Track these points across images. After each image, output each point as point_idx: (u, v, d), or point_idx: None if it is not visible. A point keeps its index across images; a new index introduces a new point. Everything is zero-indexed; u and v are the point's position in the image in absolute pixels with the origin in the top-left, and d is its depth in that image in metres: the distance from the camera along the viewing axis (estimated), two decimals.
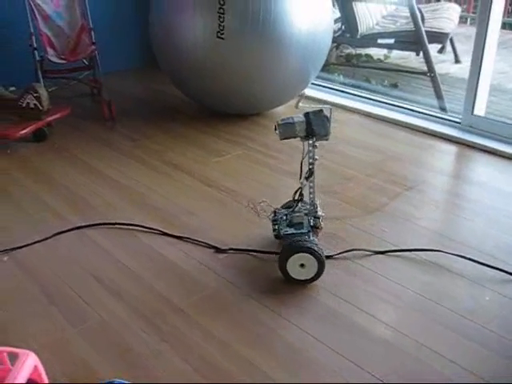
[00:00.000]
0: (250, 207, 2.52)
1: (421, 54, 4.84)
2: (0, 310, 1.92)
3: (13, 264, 2.18)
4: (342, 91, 4.28)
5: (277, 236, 2.24)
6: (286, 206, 2.29)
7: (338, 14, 5.10)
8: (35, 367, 1.47)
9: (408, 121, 3.70)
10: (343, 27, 5.27)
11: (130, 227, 2.41)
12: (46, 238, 2.34)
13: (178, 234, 2.34)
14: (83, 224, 2.43)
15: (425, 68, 4.74)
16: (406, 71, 5.44)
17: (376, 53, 5.68)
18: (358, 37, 5.19)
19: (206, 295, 1.98)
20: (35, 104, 3.21)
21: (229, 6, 3.09)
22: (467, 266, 2.15)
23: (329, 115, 2.05)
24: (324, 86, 4.35)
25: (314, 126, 2.03)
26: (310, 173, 2.13)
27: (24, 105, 3.23)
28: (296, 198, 2.21)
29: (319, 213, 2.20)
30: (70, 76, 4.04)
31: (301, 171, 2.15)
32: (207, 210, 2.57)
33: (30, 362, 1.44)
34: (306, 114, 2.05)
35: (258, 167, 3.00)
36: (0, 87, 3.36)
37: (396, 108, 3.91)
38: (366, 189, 2.76)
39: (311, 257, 2.00)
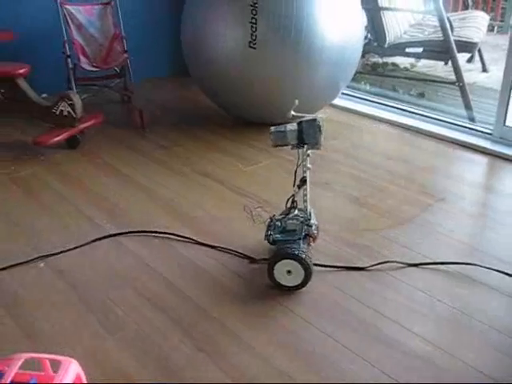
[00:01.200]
0: (247, 212, 2.53)
1: (449, 63, 4.83)
2: (38, 317, 1.95)
3: (49, 270, 2.21)
4: (369, 100, 4.28)
5: (269, 242, 2.19)
6: (285, 214, 2.28)
7: (364, 23, 5.11)
8: (77, 375, 1.50)
9: (436, 131, 3.69)
10: (370, 36, 5.28)
11: (164, 235, 2.44)
12: (82, 245, 2.37)
13: (212, 243, 2.37)
14: (118, 232, 2.47)
15: (452, 77, 4.72)
16: (434, 81, 5.42)
17: (403, 61, 5.67)
18: (386, 46, 5.18)
19: (240, 305, 2.00)
20: (69, 111, 3.26)
21: (261, 17, 3.12)
22: (501, 279, 2.14)
23: (321, 125, 2.07)
24: (350, 95, 4.36)
25: (305, 135, 2.07)
26: (303, 181, 2.16)
27: (58, 112, 3.28)
28: (289, 205, 2.22)
29: (312, 221, 2.21)
30: (101, 84, 4.11)
31: (294, 179, 2.18)
32: (239, 219, 2.58)
33: (72, 370, 1.47)
34: (300, 123, 2.08)
35: (288, 177, 3.00)
36: (34, 94, 3.40)
37: (424, 118, 3.91)
38: (397, 200, 2.76)
39: (298, 264, 2.01)
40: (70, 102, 3.25)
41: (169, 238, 2.43)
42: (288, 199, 2.22)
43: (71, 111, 3.26)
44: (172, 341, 1.83)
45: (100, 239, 2.42)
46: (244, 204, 2.70)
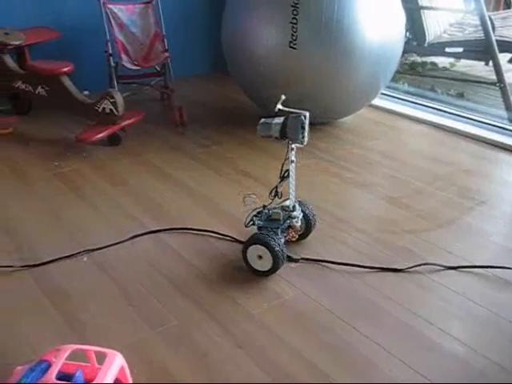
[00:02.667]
0: (244, 196, 2.53)
1: (490, 63, 4.77)
2: (81, 309, 2.00)
3: (92, 264, 2.27)
4: (408, 101, 4.25)
5: (247, 226, 2.26)
6: (281, 205, 2.32)
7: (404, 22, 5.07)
8: (121, 367, 1.54)
9: (476, 132, 3.65)
10: (410, 35, 5.24)
11: (204, 233, 2.48)
12: (124, 241, 2.42)
13: None
14: (158, 228, 2.51)
15: (492, 77, 4.66)
16: (474, 81, 5.35)
17: (442, 61, 5.62)
18: (426, 45, 5.14)
19: (278, 303, 2.03)
20: (111, 109, 3.32)
21: (302, 17, 3.13)
22: None
23: (304, 121, 2.14)
24: (389, 95, 4.32)
25: (288, 129, 2.15)
26: (286, 173, 2.25)
27: (100, 110, 3.35)
28: (272, 195, 2.30)
29: (294, 213, 2.26)
30: (141, 82, 4.17)
31: (281, 171, 2.26)
32: None
33: (117, 363, 1.51)
34: (286, 118, 2.17)
35: (327, 177, 3.03)
36: (77, 92, 3.47)
37: (463, 119, 3.87)
38: (436, 202, 2.75)
39: (267, 250, 2.11)
40: (113, 100, 3.31)
41: (208, 236, 2.47)
42: (271, 190, 2.29)
43: (113, 109, 3.32)
44: (211, 337, 1.86)
45: (141, 235, 2.47)
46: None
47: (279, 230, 2.20)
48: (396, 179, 3.01)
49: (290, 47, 3.18)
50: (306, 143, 2.19)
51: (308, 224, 2.38)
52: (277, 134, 2.17)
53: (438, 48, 5.21)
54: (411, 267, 2.21)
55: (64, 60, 3.62)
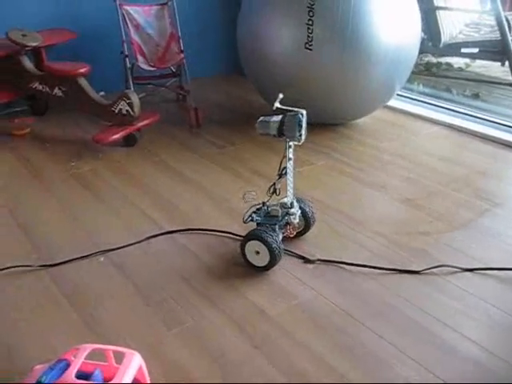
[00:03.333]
0: (244, 193, 2.56)
1: (506, 63, 4.74)
2: (98, 309, 2.02)
3: (109, 264, 2.29)
4: (422, 101, 4.24)
5: (245, 222, 2.32)
6: (280, 203, 2.37)
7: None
8: (140, 367, 1.55)
9: (492, 133, 3.64)
10: (425, 35, 5.21)
11: (219, 234, 2.49)
12: (140, 241, 2.44)
13: None
14: (174, 229, 2.53)
15: (508, 78, 4.63)
16: (490, 82, 5.32)
17: (457, 61, 5.59)
18: (441, 46, 5.12)
19: (295, 304, 2.03)
20: (127, 110, 3.34)
21: (318, 18, 3.13)
22: None
23: (301, 120, 2.20)
24: (403, 96, 4.31)
25: (285, 127, 2.21)
26: (284, 171, 2.30)
27: (117, 111, 3.37)
28: (269, 193, 2.34)
29: (292, 210, 2.32)
30: (157, 83, 4.19)
31: (279, 168, 2.31)
32: None
33: (136, 362, 1.53)
34: (284, 116, 2.22)
35: (342, 178, 3.03)
36: (94, 93, 3.50)
37: (478, 120, 3.85)
38: (452, 204, 2.74)
39: (264, 246, 2.16)
40: (129, 101, 3.33)
41: (223, 236, 2.48)
42: (270, 187, 2.33)
43: (130, 110, 3.34)
44: (228, 338, 1.87)
45: (157, 235, 2.49)
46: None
47: (277, 227, 2.26)
48: (411, 180, 3.00)
49: (306, 48, 3.19)
50: (303, 141, 2.24)
51: (307, 221, 2.42)
52: (274, 131, 2.23)
53: (454, 48, 5.18)
54: (427, 269, 2.21)
55: (80, 61, 3.66)
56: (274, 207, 2.31)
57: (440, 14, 5.09)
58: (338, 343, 1.85)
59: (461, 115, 3.94)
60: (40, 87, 3.64)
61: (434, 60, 5.65)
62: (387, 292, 2.10)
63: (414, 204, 2.74)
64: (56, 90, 3.57)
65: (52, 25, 4.06)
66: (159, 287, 2.14)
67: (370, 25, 3.17)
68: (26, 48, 3.66)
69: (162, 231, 2.51)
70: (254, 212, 2.33)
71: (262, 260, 2.20)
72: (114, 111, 3.39)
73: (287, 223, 2.32)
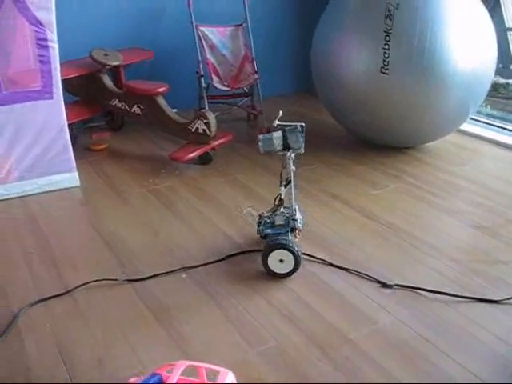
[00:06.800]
0: (239, 211, 2.76)
1: None
2: (182, 324, 2.10)
3: (191, 281, 2.37)
4: (491, 124, 4.17)
5: (261, 236, 2.49)
6: (272, 211, 2.54)
7: None
8: None
9: None
10: None
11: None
12: (219, 260, 2.51)
13: (344, 266, 2.44)
14: (252, 248, 2.59)
15: None
16: None
17: None
18: (511, 67, 5.06)
19: (374, 329, 2.06)
20: (204, 129, 3.43)
21: (394, 43, 3.16)
22: None
23: (302, 131, 2.37)
24: (471, 118, 4.22)
25: (289, 141, 2.37)
26: (288, 181, 2.46)
27: (193, 129, 3.47)
28: (276, 203, 2.52)
29: (297, 215, 2.48)
30: (229, 102, 4.28)
31: (280, 179, 2.48)
32: (368, 242, 2.65)
33: (229, 380, 1.59)
34: (283, 131, 2.37)
35: (415, 202, 3.04)
36: (171, 111, 3.60)
37: None
38: None
39: (289, 253, 2.30)
40: (206, 121, 3.42)
41: (305, 259, 2.51)
42: (276, 197, 2.51)
43: (206, 129, 3.43)
44: (310, 359, 1.91)
45: (235, 255, 2.55)
46: (372, 228, 2.77)
47: (289, 234, 2.40)
48: (485, 206, 2.99)
49: (382, 72, 3.22)
50: (303, 151, 2.40)
51: None
52: (280, 146, 2.37)
53: None
54: (507, 299, 2.20)
55: (154, 79, 3.79)
56: (278, 217, 2.47)
57: (511, 36, 5.04)
58: (419, 369, 1.86)
59: None
60: (119, 105, 3.78)
61: (501, 81, 5.57)
62: (466, 320, 2.10)
63: (490, 231, 2.72)
64: (134, 108, 3.70)
65: (130, 44, 4.21)
66: (240, 306, 2.20)
67: (447, 49, 3.17)
68: (107, 67, 3.81)
69: (240, 250, 2.58)
70: (259, 225, 2.50)
71: (285, 267, 2.34)
72: (190, 130, 3.49)
73: (293, 228, 2.44)
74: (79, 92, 3.93)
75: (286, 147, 2.38)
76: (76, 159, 3.30)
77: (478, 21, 3.36)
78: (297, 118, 4.53)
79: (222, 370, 1.60)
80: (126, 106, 3.75)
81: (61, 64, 3.11)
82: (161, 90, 3.58)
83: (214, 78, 4.00)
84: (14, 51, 3.05)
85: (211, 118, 3.44)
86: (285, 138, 2.36)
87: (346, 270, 2.42)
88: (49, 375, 1.87)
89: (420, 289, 2.27)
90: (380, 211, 2.92)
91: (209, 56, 4.06)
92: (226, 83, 4.03)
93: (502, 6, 4.66)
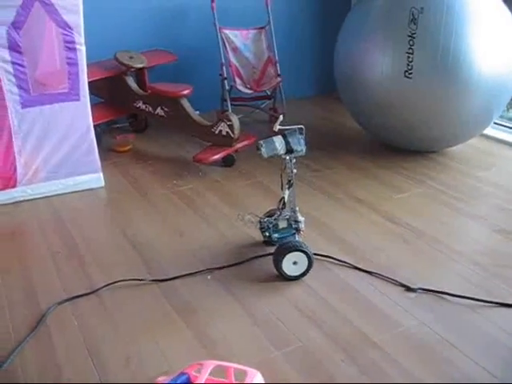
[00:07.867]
0: (239, 219, 2.75)
1: None
2: (209, 326, 2.12)
3: (216, 283, 2.39)
4: None
5: (266, 242, 2.60)
6: (268, 215, 2.60)
7: None
8: None
9: None
10: None
11: (322, 258, 2.55)
12: (242, 262, 2.54)
13: (368, 269, 2.45)
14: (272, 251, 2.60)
15: None
16: None
17: None
18: None
19: (399, 332, 2.07)
20: (227, 132, 3.46)
21: (418, 47, 3.17)
22: None
23: (302, 134, 2.42)
24: (495, 123, 4.19)
25: (292, 144, 2.39)
26: (290, 184, 2.47)
27: (217, 132, 3.50)
28: (280, 206, 2.53)
29: (299, 217, 2.50)
30: (251, 104, 4.31)
31: (281, 183, 2.50)
32: (393, 246, 2.66)
33: (257, 381, 1.61)
34: (284, 135, 2.39)
35: (439, 206, 3.04)
36: (195, 113, 3.63)
37: None
38: None
39: (303, 254, 2.36)
40: (229, 123, 3.45)
41: (326, 261, 2.53)
42: (279, 201, 2.53)
43: (230, 132, 3.46)
44: (335, 362, 1.93)
45: (259, 257, 2.57)
46: (396, 232, 2.77)
47: (295, 235, 2.47)
48: (509, 211, 2.98)
49: (405, 76, 3.23)
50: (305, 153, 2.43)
51: None
52: (283, 150, 2.39)
53: None
54: None
55: (177, 81, 3.82)
56: (281, 220, 2.51)
57: None
58: (444, 374, 1.87)
59: None
60: (143, 106, 3.82)
61: None
62: (491, 325, 2.10)
63: None
64: (158, 110, 3.74)
65: (153, 46, 4.25)
66: (264, 306, 2.22)
67: (471, 53, 3.17)
68: (132, 69, 3.85)
69: (264, 253, 2.59)
70: (263, 232, 2.55)
71: (299, 269, 2.38)
72: (214, 132, 3.52)
73: (297, 229, 2.49)
74: (104, 93, 3.98)
75: (289, 150, 2.40)
76: (100, 160, 3.34)
77: (503, 24, 3.34)
78: (319, 120, 4.62)
79: (250, 370, 1.62)
80: (150, 108, 3.79)
81: (86, 66, 3.16)
82: (185, 92, 3.61)
83: (237, 80, 4.03)
84: (42, 54, 3.10)
85: (235, 120, 3.46)
86: (287, 142, 2.39)
87: (370, 273, 2.43)
88: (78, 372, 1.91)
89: (444, 293, 2.27)
90: (404, 215, 2.93)
91: (232, 59, 4.09)
92: (248, 86, 4.06)
93: None
